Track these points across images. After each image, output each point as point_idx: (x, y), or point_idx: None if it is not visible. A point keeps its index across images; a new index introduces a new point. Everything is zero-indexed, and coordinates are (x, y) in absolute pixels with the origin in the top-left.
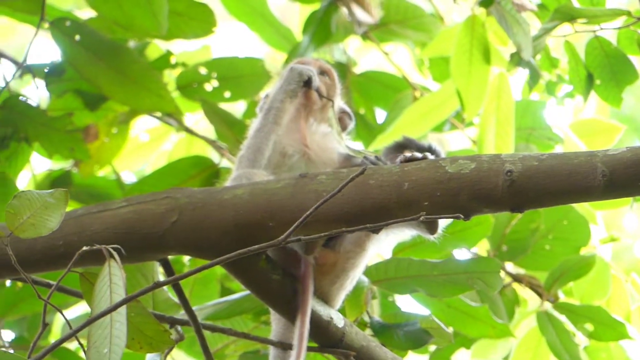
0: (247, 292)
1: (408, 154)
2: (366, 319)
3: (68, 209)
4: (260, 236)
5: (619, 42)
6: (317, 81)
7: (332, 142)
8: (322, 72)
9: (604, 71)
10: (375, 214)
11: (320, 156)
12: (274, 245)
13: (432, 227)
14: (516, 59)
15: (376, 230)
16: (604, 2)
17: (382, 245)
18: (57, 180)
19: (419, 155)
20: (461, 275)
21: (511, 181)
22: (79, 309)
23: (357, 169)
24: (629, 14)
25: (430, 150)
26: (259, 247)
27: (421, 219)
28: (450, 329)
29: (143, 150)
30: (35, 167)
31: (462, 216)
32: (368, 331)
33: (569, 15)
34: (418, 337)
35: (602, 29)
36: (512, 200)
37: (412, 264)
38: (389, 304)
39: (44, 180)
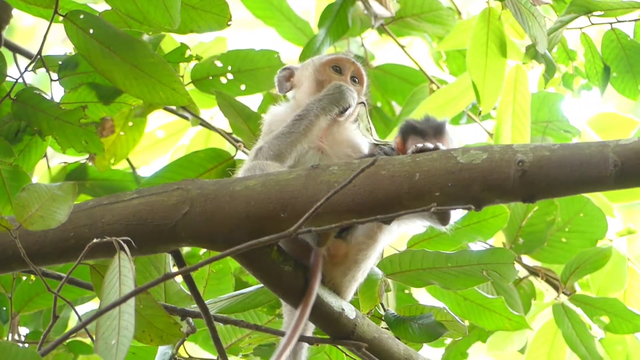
0: (262, 285)
1: (420, 144)
2: (381, 311)
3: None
4: (273, 227)
5: (635, 35)
6: (352, 107)
7: (348, 134)
8: (354, 77)
9: (620, 64)
10: (387, 205)
11: (334, 149)
12: (285, 236)
13: (443, 218)
14: (532, 52)
15: (387, 221)
16: None
17: (393, 237)
18: (73, 174)
19: (430, 145)
20: (475, 266)
21: (523, 171)
22: (94, 304)
23: (368, 159)
24: None
25: (428, 121)
26: (270, 238)
27: (432, 209)
28: (465, 322)
29: (160, 145)
30: (51, 160)
31: (473, 207)
32: (382, 324)
33: (585, 8)
34: (433, 330)
35: (618, 21)
36: (524, 190)
37: (426, 256)
38: (405, 297)
39: (59, 173)
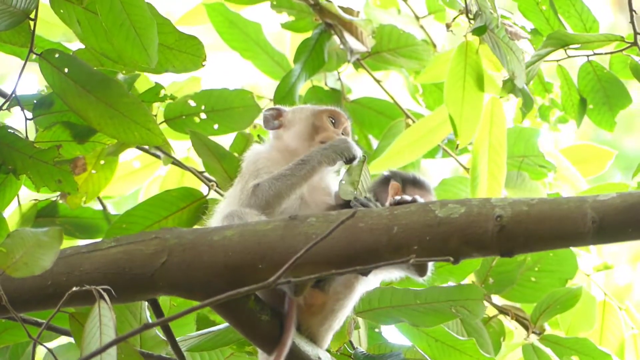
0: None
1: (398, 197)
2: (350, 350)
3: None
4: (251, 277)
5: (611, 67)
6: (358, 159)
7: (326, 181)
8: (343, 133)
9: (597, 95)
10: (365, 257)
11: (312, 195)
12: (264, 287)
13: (422, 270)
14: (509, 86)
15: (365, 273)
16: (597, 27)
17: (370, 286)
18: (43, 211)
19: (408, 198)
20: (444, 303)
21: (501, 226)
22: (61, 340)
23: (346, 212)
24: (621, 39)
25: (414, 181)
26: (249, 289)
27: (411, 261)
28: None
29: (135, 176)
30: (22, 196)
31: (451, 259)
32: None
33: (562, 42)
34: None
35: (595, 54)
36: (502, 245)
37: (395, 294)
38: (375, 335)
39: (29, 210)
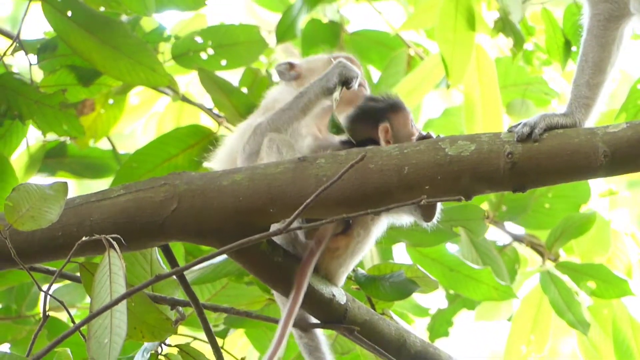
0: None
1: (424, 132)
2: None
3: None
4: (262, 221)
5: None
6: (355, 85)
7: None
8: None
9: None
10: (377, 198)
11: (325, 134)
12: (275, 234)
13: (428, 215)
14: (499, 25)
15: (377, 214)
16: None
17: (383, 228)
18: (52, 152)
19: (424, 133)
20: (444, 223)
21: (512, 163)
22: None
23: (356, 152)
24: None
25: (393, 107)
26: (261, 236)
27: (422, 202)
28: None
29: (134, 113)
30: (31, 136)
31: (463, 198)
32: (353, 285)
33: None
34: (404, 287)
35: None
36: (514, 181)
37: None
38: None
39: (38, 151)
